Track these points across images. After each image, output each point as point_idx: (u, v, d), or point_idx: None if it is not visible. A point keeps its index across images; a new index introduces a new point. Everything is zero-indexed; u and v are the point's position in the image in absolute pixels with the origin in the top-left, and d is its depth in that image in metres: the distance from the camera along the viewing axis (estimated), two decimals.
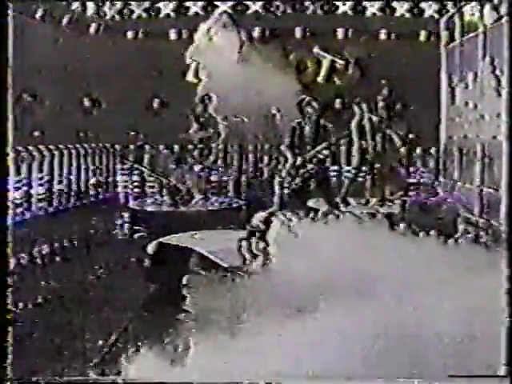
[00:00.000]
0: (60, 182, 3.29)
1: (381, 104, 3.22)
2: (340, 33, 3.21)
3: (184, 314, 2.99)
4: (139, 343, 2.96)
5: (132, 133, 3.28)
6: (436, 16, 3.23)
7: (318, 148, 3.24)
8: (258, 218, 3.16)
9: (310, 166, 3.23)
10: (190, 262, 3.16)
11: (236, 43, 3.16)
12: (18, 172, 3.13)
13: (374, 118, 3.23)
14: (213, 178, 3.34)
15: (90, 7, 3.19)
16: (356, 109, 3.23)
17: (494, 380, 2.88)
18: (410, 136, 3.27)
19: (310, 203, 3.23)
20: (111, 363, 2.96)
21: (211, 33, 3.16)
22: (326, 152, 3.25)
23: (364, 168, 3.28)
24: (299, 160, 3.23)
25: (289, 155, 3.22)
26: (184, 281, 3.08)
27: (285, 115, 3.23)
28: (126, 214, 3.29)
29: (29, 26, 3.07)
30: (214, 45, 3.16)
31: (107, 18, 3.21)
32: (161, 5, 3.20)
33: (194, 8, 3.18)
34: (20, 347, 2.94)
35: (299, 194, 3.24)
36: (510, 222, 3.01)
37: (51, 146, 3.26)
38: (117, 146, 3.32)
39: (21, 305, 3.02)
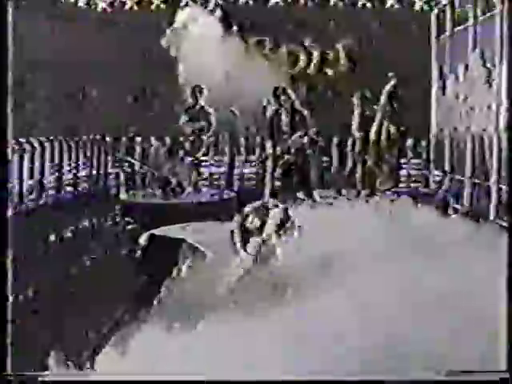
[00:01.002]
0: (51, 174, 3.28)
1: (381, 96, 3.23)
2: (331, 24, 3.21)
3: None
4: (130, 335, 2.97)
5: (123, 124, 3.28)
6: (427, 8, 3.23)
7: (293, 138, 3.24)
8: (247, 208, 3.18)
9: (286, 157, 3.24)
10: (180, 252, 3.17)
11: (219, 32, 3.17)
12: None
13: (375, 108, 3.24)
14: (204, 170, 3.34)
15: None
16: (355, 100, 3.23)
17: (493, 375, 2.88)
18: (401, 128, 3.28)
19: (300, 195, 3.24)
20: (103, 356, 2.97)
21: (189, 20, 3.16)
22: (304, 141, 3.25)
23: (356, 160, 3.29)
24: (278, 150, 3.24)
25: (268, 145, 3.23)
26: (174, 271, 3.10)
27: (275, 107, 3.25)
28: (117, 207, 3.29)
29: (23, 21, 3.07)
30: (192, 33, 3.17)
31: (98, 9, 3.21)
32: None
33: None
34: (16, 342, 2.96)
35: (284, 185, 3.25)
36: (510, 220, 3.03)
37: (42, 139, 3.25)
38: (107, 138, 3.31)
39: (11, 299, 3.03)
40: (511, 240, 2.94)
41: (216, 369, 2.78)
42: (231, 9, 3.18)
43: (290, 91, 3.21)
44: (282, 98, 3.22)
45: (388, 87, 3.21)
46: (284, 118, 3.24)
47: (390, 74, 3.20)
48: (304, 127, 3.25)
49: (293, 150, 3.25)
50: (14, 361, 2.93)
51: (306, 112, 3.23)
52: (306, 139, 3.24)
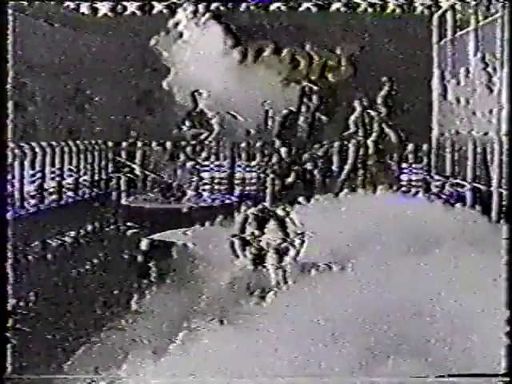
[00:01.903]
0: (52, 178, 3.29)
1: (380, 100, 3.23)
2: (333, 29, 3.21)
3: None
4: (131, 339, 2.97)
5: (124, 129, 3.28)
6: (428, 12, 3.24)
7: (316, 146, 3.25)
8: (249, 213, 3.18)
9: (307, 163, 3.24)
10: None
11: (219, 38, 3.17)
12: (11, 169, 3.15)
13: (373, 113, 3.24)
14: (205, 175, 3.34)
15: (84, 4, 3.19)
16: (356, 104, 3.23)
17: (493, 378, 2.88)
18: (401, 132, 3.28)
19: (300, 199, 3.24)
20: (103, 358, 2.98)
21: (182, 25, 3.17)
22: (319, 152, 3.26)
23: (357, 164, 3.29)
24: (293, 157, 3.24)
25: (282, 150, 3.23)
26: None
27: (277, 112, 3.25)
28: (118, 211, 3.29)
29: (24, 24, 3.08)
30: (190, 38, 3.18)
31: (100, 15, 3.22)
32: (154, 2, 3.21)
33: (186, 5, 3.19)
34: (16, 344, 2.96)
35: (290, 190, 3.25)
36: (510, 221, 3.03)
37: (43, 143, 3.26)
38: (109, 143, 3.32)
39: (13, 302, 3.03)
40: (511, 241, 2.95)
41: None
42: (231, 14, 3.19)
43: (314, 96, 3.21)
44: (304, 101, 3.22)
45: (382, 92, 3.21)
46: (302, 123, 3.24)
47: (384, 79, 3.20)
48: (322, 134, 3.25)
49: (312, 157, 3.25)
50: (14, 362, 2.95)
51: (325, 118, 3.24)
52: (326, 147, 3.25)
